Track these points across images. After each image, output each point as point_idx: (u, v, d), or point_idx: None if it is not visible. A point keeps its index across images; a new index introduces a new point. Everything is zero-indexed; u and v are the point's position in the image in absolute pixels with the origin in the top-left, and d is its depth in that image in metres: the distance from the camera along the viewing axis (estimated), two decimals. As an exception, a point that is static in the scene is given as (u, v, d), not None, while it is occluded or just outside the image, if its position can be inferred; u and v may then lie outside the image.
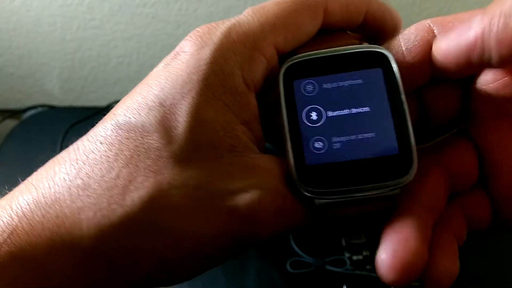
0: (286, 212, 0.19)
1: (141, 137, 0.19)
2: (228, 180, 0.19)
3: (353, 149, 0.19)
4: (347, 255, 0.57)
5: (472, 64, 0.18)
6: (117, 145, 0.19)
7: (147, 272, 0.19)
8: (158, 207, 0.18)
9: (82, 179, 0.19)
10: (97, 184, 0.18)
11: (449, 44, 0.19)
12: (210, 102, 0.19)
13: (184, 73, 0.20)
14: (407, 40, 0.21)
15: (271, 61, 0.21)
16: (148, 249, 0.18)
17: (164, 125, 0.19)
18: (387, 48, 0.21)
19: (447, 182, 0.20)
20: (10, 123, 0.83)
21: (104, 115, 0.21)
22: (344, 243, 0.58)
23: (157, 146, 0.19)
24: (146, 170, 0.18)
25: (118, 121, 0.19)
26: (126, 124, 0.19)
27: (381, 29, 0.23)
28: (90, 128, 0.20)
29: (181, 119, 0.19)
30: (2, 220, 0.18)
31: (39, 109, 0.83)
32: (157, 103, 0.19)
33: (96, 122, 0.21)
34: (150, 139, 0.19)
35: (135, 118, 0.19)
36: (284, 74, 0.21)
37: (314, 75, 0.21)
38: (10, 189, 0.20)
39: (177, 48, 0.21)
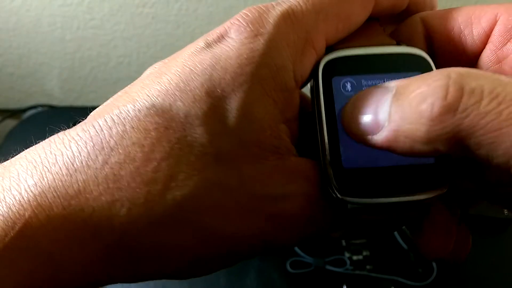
0: (317, 218, 0.19)
1: (183, 129, 0.17)
2: (270, 185, 0.18)
3: (390, 154, 0.18)
4: (347, 255, 0.57)
5: None
6: (153, 134, 0.17)
7: (170, 267, 0.18)
8: (199, 207, 0.17)
9: (112, 168, 0.17)
10: (131, 176, 0.17)
11: None
12: (261, 98, 0.18)
13: (234, 62, 0.18)
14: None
15: (320, 55, 0.19)
16: (180, 247, 0.18)
17: (211, 119, 0.17)
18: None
19: None
20: (10, 123, 0.83)
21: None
22: (344, 243, 0.58)
23: (201, 141, 0.17)
24: (189, 167, 0.17)
25: (154, 105, 0.17)
26: (166, 112, 0.17)
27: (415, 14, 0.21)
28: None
29: (230, 115, 0.17)
30: (11, 209, 0.16)
31: (39, 109, 0.84)
32: (204, 92, 0.17)
33: None
34: (194, 133, 0.17)
35: (176, 106, 0.17)
36: (323, 70, 0.19)
37: (354, 73, 0.19)
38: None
39: (221, 30, 0.19)
